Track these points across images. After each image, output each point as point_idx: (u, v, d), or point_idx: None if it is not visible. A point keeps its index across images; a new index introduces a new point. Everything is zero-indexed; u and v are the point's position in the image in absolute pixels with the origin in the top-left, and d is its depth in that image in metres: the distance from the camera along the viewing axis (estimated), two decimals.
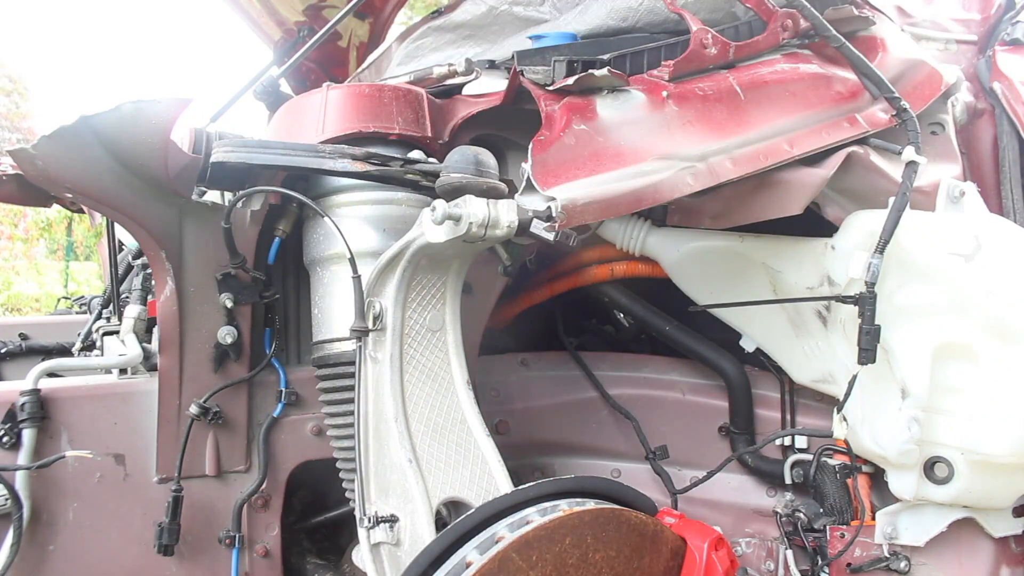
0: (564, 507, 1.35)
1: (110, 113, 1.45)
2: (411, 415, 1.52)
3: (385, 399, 1.50)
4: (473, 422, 1.58)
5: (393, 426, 1.49)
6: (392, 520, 1.47)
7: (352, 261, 1.50)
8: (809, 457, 1.94)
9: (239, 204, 1.62)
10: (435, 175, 1.43)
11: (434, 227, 1.37)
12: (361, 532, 1.51)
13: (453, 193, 1.38)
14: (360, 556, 1.55)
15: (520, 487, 1.41)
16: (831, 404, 1.85)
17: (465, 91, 1.86)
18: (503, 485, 1.55)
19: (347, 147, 1.48)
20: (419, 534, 1.44)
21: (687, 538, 1.49)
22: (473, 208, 1.34)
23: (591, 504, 1.40)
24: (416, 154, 1.54)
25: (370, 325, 1.49)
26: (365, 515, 1.49)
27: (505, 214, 1.37)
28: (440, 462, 1.52)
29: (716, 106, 1.66)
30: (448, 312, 1.59)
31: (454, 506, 1.54)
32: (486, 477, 1.56)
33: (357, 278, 1.48)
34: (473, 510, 1.36)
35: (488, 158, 1.41)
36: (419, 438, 1.52)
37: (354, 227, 1.63)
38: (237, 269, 1.66)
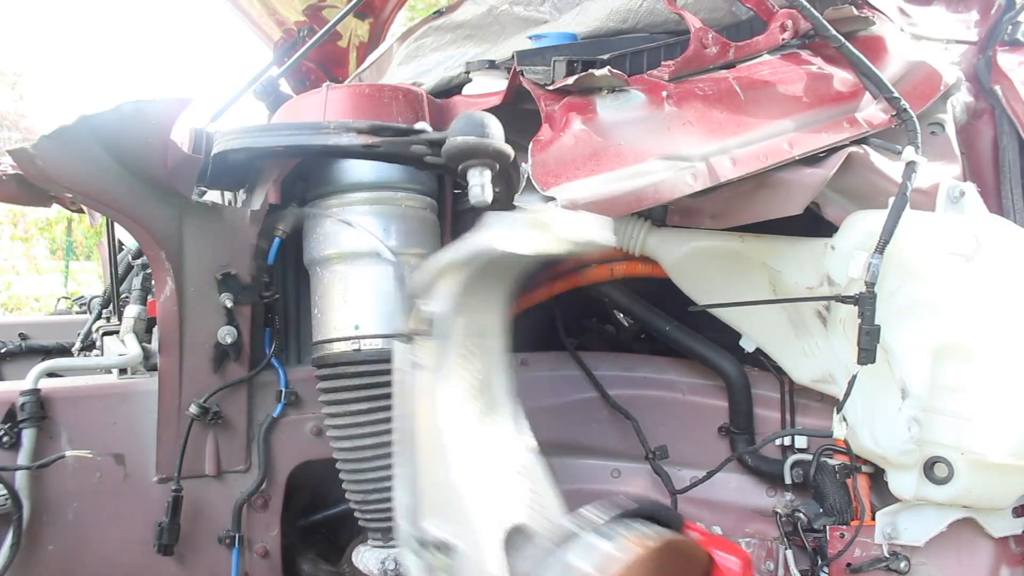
0: (627, 534, 1.32)
1: (110, 113, 1.45)
2: (461, 428, 1.39)
3: (436, 410, 1.37)
4: (522, 436, 1.47)
5: (445, 441, 1.36)
6: (448, 546, 1.33)
7: (396, 259, 1.46)
8: (809, 457, 1.94)
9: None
10: (441, 144, 1.40)
11: (519, 238, 1.25)
12: (408, 555, 1.37)
13: (459, 156, 1.36)
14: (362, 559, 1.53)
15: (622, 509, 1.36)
16: (831, 404, 1.85)
17: (465, 91, 1.86)
18: (555, 506, 1.45)
19: (351, 121, 1.46)
20: (483, 560, 1.31)
21: (715, 556, 1.48)
22: (563, 223, 1.25)
23: (659, 533, 1.37)
24: (422, 125, 1.53)
25: (418, 328, 1.39)
26: (414, 537, 1.35)
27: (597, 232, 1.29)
28: (495, 482, 1.40)
29: (716, 106, 1.66)
30: (497, 318, 1.48)
31: (516, 532, 1.40)
32: (538, 497, 1.45)
33: (403, 276, 1.45)
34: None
35: (494, 122, 1.38)
36: (472, 455, 1.39)
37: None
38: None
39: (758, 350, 2.00)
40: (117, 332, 2.12)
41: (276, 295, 1.74)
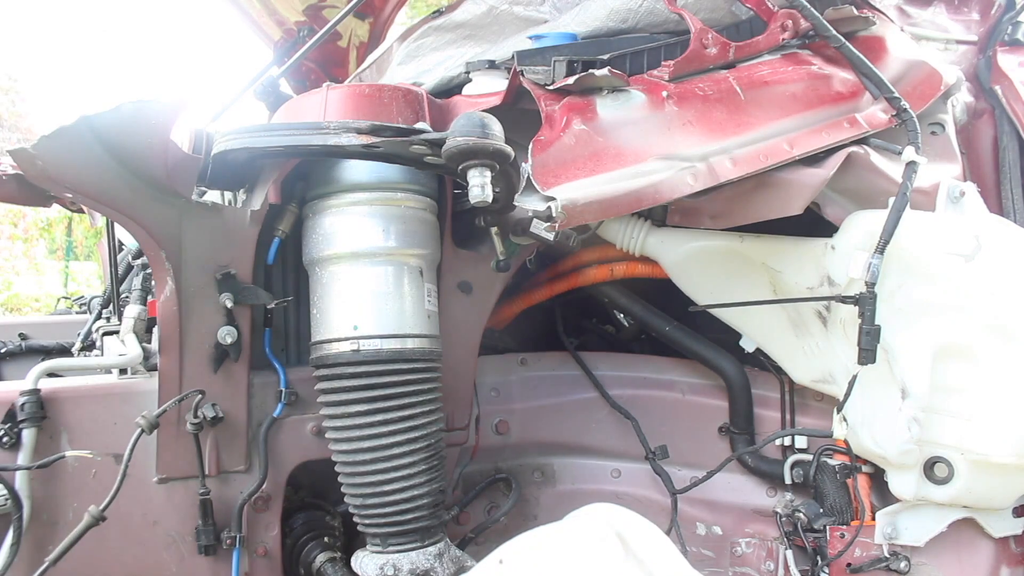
0: None
1: (110, 113, 1.44)
2: None
3: None
4: None
5: None
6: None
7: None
8: (809, 457, 1.94)
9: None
10: (441, 144, 1.40)
11: None
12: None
13: (459, 156, 1.36)
14: None
15: None
16: (831, 404, 1.85)
17: (465, 91, 1.86)
18: None
19: (351, 121, 1.46)
20: None
21: None
22: None
23: None
24: (422, 125, 1.52)
25: None
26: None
27: None
28: None
29: (716, 106, 1.66)
30: None
31: None
32: None
33: None
34: None
35: (493, 123, 1.38)
36: None
37: (353, 227, 1.63)
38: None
39: (758, 350, 2.00)
40: (117, 332, 2.11)
41: (288, 299, 1.74)
